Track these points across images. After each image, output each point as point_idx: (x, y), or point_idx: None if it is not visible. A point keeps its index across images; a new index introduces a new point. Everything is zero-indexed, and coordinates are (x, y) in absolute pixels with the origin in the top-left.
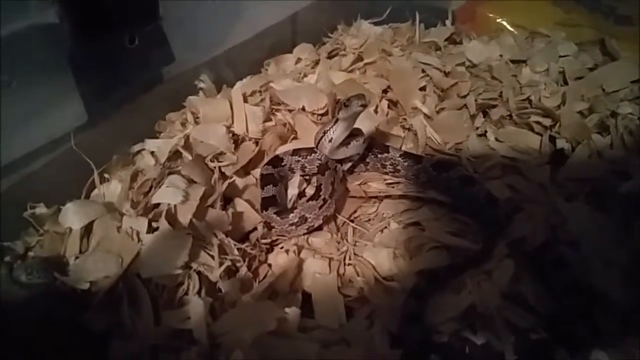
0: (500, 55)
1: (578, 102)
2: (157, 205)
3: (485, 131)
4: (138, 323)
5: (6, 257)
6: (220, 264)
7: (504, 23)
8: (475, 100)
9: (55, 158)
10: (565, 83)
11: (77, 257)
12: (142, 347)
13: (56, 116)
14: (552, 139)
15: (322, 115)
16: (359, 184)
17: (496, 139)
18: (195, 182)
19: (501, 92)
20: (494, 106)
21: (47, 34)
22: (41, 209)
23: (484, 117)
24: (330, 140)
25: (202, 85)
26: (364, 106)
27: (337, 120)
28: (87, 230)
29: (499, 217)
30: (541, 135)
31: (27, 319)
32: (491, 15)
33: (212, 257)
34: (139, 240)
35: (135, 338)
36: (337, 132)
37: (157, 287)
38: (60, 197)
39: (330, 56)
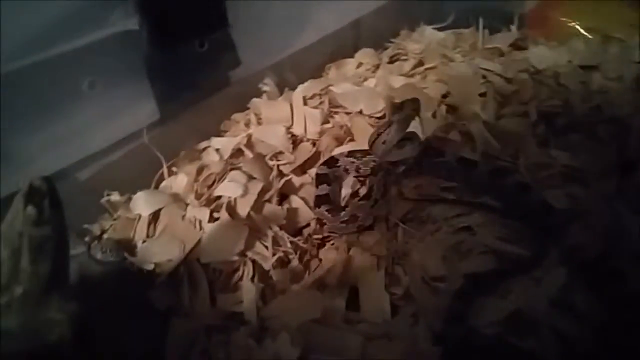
0: (569, 61)
1: None
2: (219, 197)
3: (547, 139)
4: (195, 304)
5: (86, 238)
6: (273, 254)
7: (578, 27)
8: (538, 108)
9: (130, 152)
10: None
11: (144, 241)
12: (198, 325)
13: (132, 114)
14: (621, 150)
15: (379, 118)
16: (413, 187)
17: (558, 148)
18: (255, 178)
19: (567, 99)
20: (558, 114)
21: (128, 40)
22: (115, 197)
23: (547, 125)
24: (384, 142)
25: (266, 88)
26: (418, 110)
27: (391, 123)
28: (155, 217)
29: (553, 226)
30: (608, 145)
31: (100, 291)
32: (564, 19)
33: (266, 247)
34: (201, 228)
35: (192, 317)
36: (391, 135)
37: (215, 272)
38: (133, 187)
39: (391, 61)
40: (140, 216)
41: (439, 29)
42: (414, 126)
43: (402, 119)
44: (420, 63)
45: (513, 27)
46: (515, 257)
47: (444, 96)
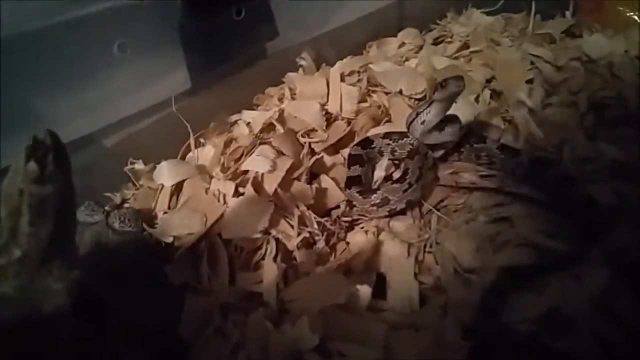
0: (626, 51)
1: None
2: (246, 172)
3: (596, 132)
4: (214, 280)
5: (106, 207)
6: (299, 234)
7: (636, 17)
8: (589, 98)
9: (158, 120)
10: None
11: (165, 212)
12: (214, 303)
13: (163, 82)
14: None
15: (419, 100)
16: (450, 173)
17: (608, 142)
18: (285, 155)
19: (621, 90)
20: (610, 105)
21: (161, 4)
22: (140, 166)
23: (597, 116)
24: (422, 122)
25: (302, 62)
26: (462, 88)
27: (432, 102)
28: (178, 188)
29: (598, 222)
30: None
31: (114, 261)
32: (621, 8)
33: (292, 226)
34: (225, 202)
35: (209, 294)
36: (431, 114)
37: (236, 249)
38: (159, 157)
39: (435, 43)
40: (162, 186)
41: (488, 13)
42: (456, 108)
43: (444, 97)
44: (466, 46)
45: (568, 13)
46: (555, 253)
47: (489, 81)
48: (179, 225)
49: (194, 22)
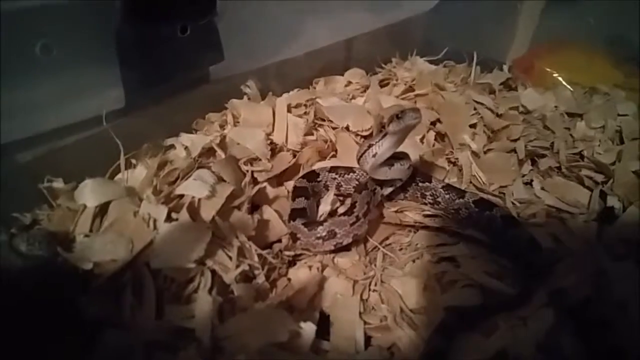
0: (556, 107)
1: (634, 161)
2: (181, 196)
3: (532, 179)
4: (138, 314)
5: (12, 229)
6: (237, 266)
7: (560, 79)
8: (525, 147)
9: (86, 137)
10: (622, 142)
11: (86, 236)
12: (137, 340)
13: (94, 96)
14: (603, 196)
15: (366, 136)
16: (396, 211)
17: (542, 188)
18: (225, 181)
19: (553, 142)
20: (544, 155)
21: (97, 7)
22: (58, 184)
23: (532, 165)
24: (374, 155)
25: (248, 90)
26: (418, 120)
27: (385, 134)
28: (102, 210)
29: (541, 264)
30: (591, 190)
31: (18, 289)
32: (548, 69)
33: (230, 257)
34: (155, 228)
35: (131, 330)
36: (383, 147)
37: (165, 280)
38: (83, 178)
39: (381, 84)
40: (84, 207)
41: (431, 62)
42: (402, 147)
43: (399, 129)
44: (411, 89)
45: (505, 67)
46: (500, 294)
47: (433, 123)
48: (101, 250)
49: (133, 32)
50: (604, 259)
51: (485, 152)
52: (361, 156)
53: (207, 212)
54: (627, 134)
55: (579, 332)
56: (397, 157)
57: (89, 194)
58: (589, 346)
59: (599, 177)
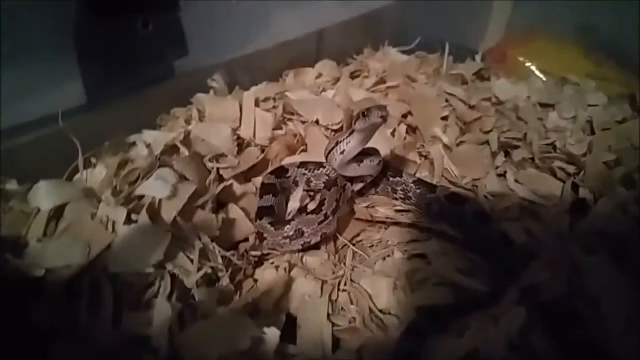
0: (528, 97)
1: (605, 152)
2: (141, 197)
3: (505, 171)
4: (93, 323)
5: None
6: (199, 269)
7: (533, 68)
8: (498, 138)
9: (42, 136)
10: (592, 133)
11: (39, 240)
12: (92, 351)
13: (50, 92)
14: (575, 187)
15: (336, 131)
16: (366, 207)
17: (516, 181)
18: (188, 180)
19: (525, 133)
20: (517, 147)
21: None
22: (11, 185)
23: (505, 156)
24: (342, 152)
25: (214, 84)
26: (385, 118)
27: (352, 132)
28: (57, 213)
29: (514, 261)
30: (563, 182)
31: None
32: (521, 59)
33: (191, 260)
34: (114, 230)
35: (86, 340)
36: (350, 145)
37: (124, 285)
38: (39, 178)
39: (352, 76)
40: (38, 210)
41: (403, 52)
42: (372, 142)
43: (365, 127)
44: (382, 81)
45: (477, 57)
46: (472, 292)
47: (404, 116)
48: (55, 255)
49: (92, 25)
50: (575, 252)
51: (457, 145)
52: (329, 153)
53: (168, 213)
54: (598, 125)
55: (551, 328)
56: (367, 152)
57: (43, 196)
58: (561, 342)
59: (571, 169)
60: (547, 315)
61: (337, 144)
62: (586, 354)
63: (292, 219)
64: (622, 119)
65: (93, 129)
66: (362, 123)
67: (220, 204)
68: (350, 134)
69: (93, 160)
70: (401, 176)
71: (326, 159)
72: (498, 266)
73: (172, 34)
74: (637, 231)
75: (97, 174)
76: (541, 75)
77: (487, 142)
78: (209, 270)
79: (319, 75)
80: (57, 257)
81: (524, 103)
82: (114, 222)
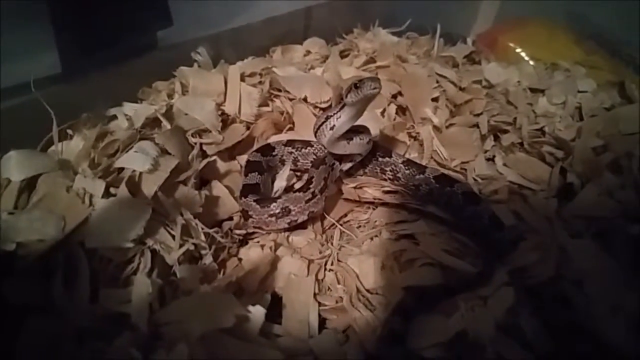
0: (518, 82)
1: (593, 138)
2: (121, 170)
3: (494, 155)
4: (69, 298)
5: None
6: (181, 246)
7: (523, 55)
8: (488, 122)
9: (16, 105)
10: (581, 119)
11: (10, 213)
12: (68, 328)
13: (23, 60)
14: (563, 172)
15: (324, 109)
16: (354, 187)
17: (505, 164)
18: (170, 154)
19: (515, 118)
20: (506, 131)
21: None
22: None
23: (495, 140)
24: (332, 128)
25: (198, 57)
26: (377, 90)
27: (343, 106)
28: (30, 185)
29: (503, 242)
30: (552, 167)
31: None
32: (511, 44)
33: (173, 236)
34: (91, 204)
35: (62, 316)
36: (341, 119)
37: (102, 260)
38: (12, 149)
39: (342, 55)
40: (9, 181)
41: (394, 33)
42: (362, 121)
43: (357, 100)
44: (372, 60)
45: (469, 40)
46: (460, 272)
47: (394, 96)
48: (27, 229)
49: None
50: (562, 236)
51: (447, 127)
52: (318, 129)
53: (149, 187)
54: (587, 111)
55: (538, 310)
56: (357, 130)
57: (14, 166)
58: (547, 324)
59: (560, 154)
60: (534, 296)
61: (327, 118)
62: (572, 334)
63: (279, 197)
64: (610, 105)
65: (70, 100)
66: (354, 95)
67: (203, 181)
68: (341, 108)
69: (70, 132)
70: (390, 157)
71: (315, 135)
72: (487, 248)
73: (156, 4)
74: (623, 216)
75: (73, 146)
76: (531, 62)
77: (477, 125)
78: (192, 247)
79: (308, 53)
80: (30, 231)
81: (514, 88)
82: (91, 195)
